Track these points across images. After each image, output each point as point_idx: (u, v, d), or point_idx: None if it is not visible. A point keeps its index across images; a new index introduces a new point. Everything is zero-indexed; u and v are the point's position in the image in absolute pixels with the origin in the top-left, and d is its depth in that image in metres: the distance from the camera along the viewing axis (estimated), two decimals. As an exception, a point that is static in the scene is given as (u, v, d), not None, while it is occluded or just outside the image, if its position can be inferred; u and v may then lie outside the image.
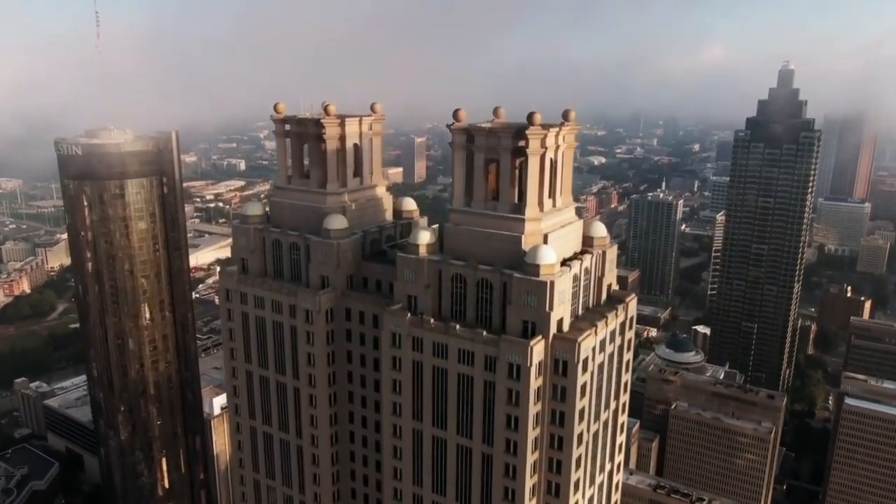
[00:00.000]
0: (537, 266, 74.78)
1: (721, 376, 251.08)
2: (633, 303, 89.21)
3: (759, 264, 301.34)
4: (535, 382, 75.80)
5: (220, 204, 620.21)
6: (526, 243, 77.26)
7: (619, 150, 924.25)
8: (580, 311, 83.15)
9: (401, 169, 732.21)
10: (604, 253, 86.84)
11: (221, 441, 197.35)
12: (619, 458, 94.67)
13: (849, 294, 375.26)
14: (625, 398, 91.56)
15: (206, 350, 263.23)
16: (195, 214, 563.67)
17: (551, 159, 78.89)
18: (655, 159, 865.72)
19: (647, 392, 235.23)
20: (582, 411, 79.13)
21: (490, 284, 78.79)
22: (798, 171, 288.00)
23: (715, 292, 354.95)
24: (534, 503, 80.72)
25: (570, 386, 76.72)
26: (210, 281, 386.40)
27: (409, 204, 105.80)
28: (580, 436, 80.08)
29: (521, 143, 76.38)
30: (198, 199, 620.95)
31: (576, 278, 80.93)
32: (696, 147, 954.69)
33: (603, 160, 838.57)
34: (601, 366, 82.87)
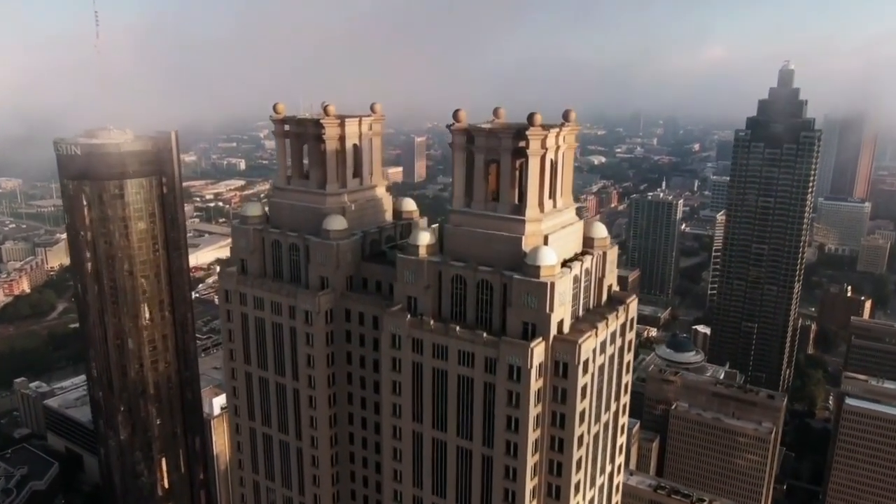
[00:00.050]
0: (538, 267, 74.51)
1: (721, 376, 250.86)
2: (633, 304, 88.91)
3: (759, 264, 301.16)
4: (535, 384, 75.52)
5: (220, 203, 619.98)
6: (526, 244, 76.97)
7: (619, 150, 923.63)
8: (580, 313, 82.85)
9: (401, 168, 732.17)
10: (604, 254, 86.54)
11: (221, 441, 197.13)
12: (620, 459, 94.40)
13: (849, 294, 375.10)
14: (625, 399, 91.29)
15: (205, 350, 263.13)
16: (195, 214, 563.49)
17: (552, 160, 78.61)
18: (655, 159, 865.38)
19: (648, 392, 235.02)
20: (582, 413, 78.86)
21: (490, 286, 78.51)
22: (798, 170, 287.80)
23: (715, 292, 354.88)
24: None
25: (570, 388, 76.44)
26: (210, 280, 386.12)
27: (409, 204, 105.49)
28: (581, 438, 79.82)
29: (522, 144, 76.11)
30: (198, 199, 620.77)
31: (576, 279, 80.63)
32: (696, 146, 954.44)
33: (603, 159, 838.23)
34: (602, 367, 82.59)
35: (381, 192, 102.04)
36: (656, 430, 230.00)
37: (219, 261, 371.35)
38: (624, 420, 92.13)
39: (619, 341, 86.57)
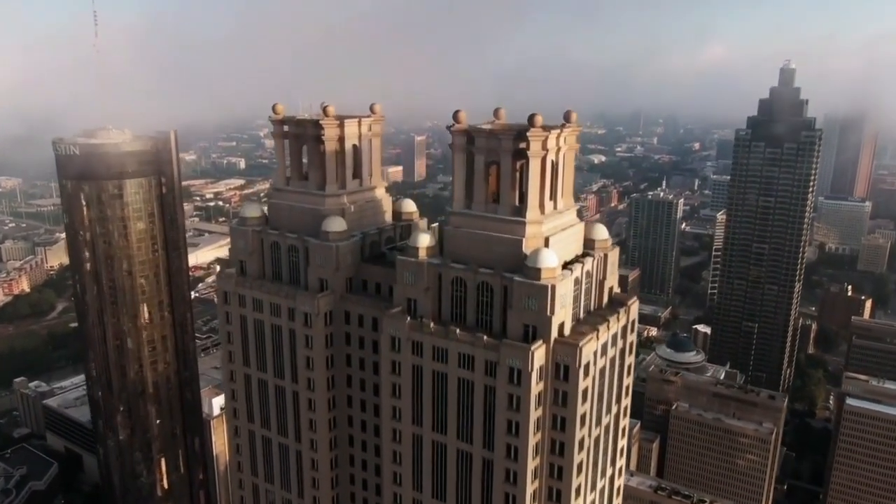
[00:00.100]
0: (538, 269, 74.01)
1: (722, 376, 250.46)
2: (634, 306, 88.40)
3: (759, 263, 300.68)
4: (536, 387, 75.04)
5: (220, 202, 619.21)
6: (527, 246, 76.45)
7: (619, 149, 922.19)
8: (581, 315, 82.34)
9: (401, 167, 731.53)
10: (605, 255, 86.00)
11: (221, 442, 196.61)
12: (621, 462, 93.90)
13: (849, 293, 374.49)
14: (626, 402, 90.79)
15: (205, 350, 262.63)
16: (195, 213, 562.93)
17: (552, 161, 78.07)
18: (656, 158, 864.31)
19: (648, 392, 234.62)
20: (583, 416, 78.36)
21: (490, 288, 78.01)
22: (799, 170, 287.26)
23: (715, 291, 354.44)
24: (534, 509, 80.00)
25: (571, 391, 75.95)
26: (210, 280, 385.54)
27: (409, 206, 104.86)
28: (581, 441, 79.34)
29: (522, 146, 75.54)
30: (197, 198, 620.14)
31: (577, 281, 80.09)
32: (697, 145, 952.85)
33: (603, 158, 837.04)
34: (603, 370, 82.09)
35: (380, 193, 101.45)
36: (657, 430, 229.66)
37: (218, 260, 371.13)
38: (625, 423, 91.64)
39: (620, 344, 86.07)
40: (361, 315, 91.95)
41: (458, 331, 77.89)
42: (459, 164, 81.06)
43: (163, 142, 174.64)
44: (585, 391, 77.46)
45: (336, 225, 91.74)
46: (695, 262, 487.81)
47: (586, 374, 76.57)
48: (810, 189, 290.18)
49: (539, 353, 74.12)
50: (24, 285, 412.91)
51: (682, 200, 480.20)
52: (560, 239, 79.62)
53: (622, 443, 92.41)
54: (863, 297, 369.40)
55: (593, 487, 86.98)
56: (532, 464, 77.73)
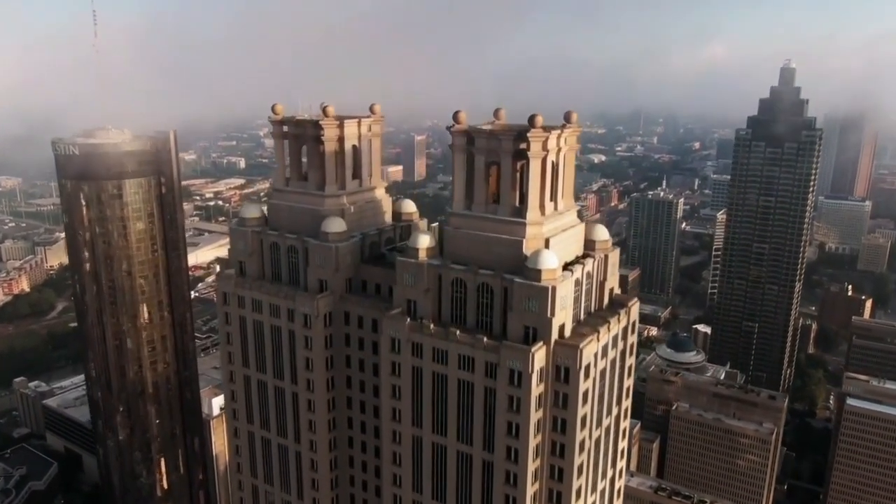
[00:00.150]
0: (539, 271, 73.72)
1: (722, 376, 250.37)
2: (635, 307, 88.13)
3: (759, 263, 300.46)
4: (536, 389, 74.75)
5: (220, 202, 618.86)
6: (527, 247, 76.15)
7: (619, 148, 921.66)
8: (582, 316, 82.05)
9: (401, 167, 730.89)
10: (606, 256, 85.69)
11: (220, 442, 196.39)
12: (621, 463, 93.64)
13: (849, 293, 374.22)
14: (627, 404, 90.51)
15: (205, 350, 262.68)
16: (195, 213, 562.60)
17: (553, 162, 77.77)
18: (656, 157, 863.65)
19: (648, 392, 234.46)
20: (584, 418, 78.09)
21: (491, 289, 77.72)
22: (799, 169, 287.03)
23: (715, 291, 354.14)
24: (535, 510, 79.74)
25: (571, 392, 75.67)
26: (210, 279, 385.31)
27: (409, 206, 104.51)
28: (582, 443, 79.06)
29: (523, 146, 75.23)
30: (197, 198, 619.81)
31: (577, 283, 79.78)
32: (697, 145, 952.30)
33: (603, 158, 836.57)
34: (603, 372, 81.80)
35: (380, 193, 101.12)
36: (657, 430, 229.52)
37: (218, 259, 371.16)
38: (625, 424, 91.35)
39: (620, 345, 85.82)
40: (361, 316, 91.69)
41: (458, 332, 77.59)
42: (459, 164, 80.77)
43: (162, 142, 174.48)
44: (586, 393, 77.19)
45: (336, 226, 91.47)
46: (695, 262, 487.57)
47: (587, 375, 76.30)
48: (810, 189, 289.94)
49: (539, 355, 73.84)
50: (24, 285, 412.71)
51: (682, 200, 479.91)
52: (560, 240, 79.32)
53: (623, 444, 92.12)
54: (863, 297, 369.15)
55: (594, 489, 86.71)
56: (532, 466, 77.47)
